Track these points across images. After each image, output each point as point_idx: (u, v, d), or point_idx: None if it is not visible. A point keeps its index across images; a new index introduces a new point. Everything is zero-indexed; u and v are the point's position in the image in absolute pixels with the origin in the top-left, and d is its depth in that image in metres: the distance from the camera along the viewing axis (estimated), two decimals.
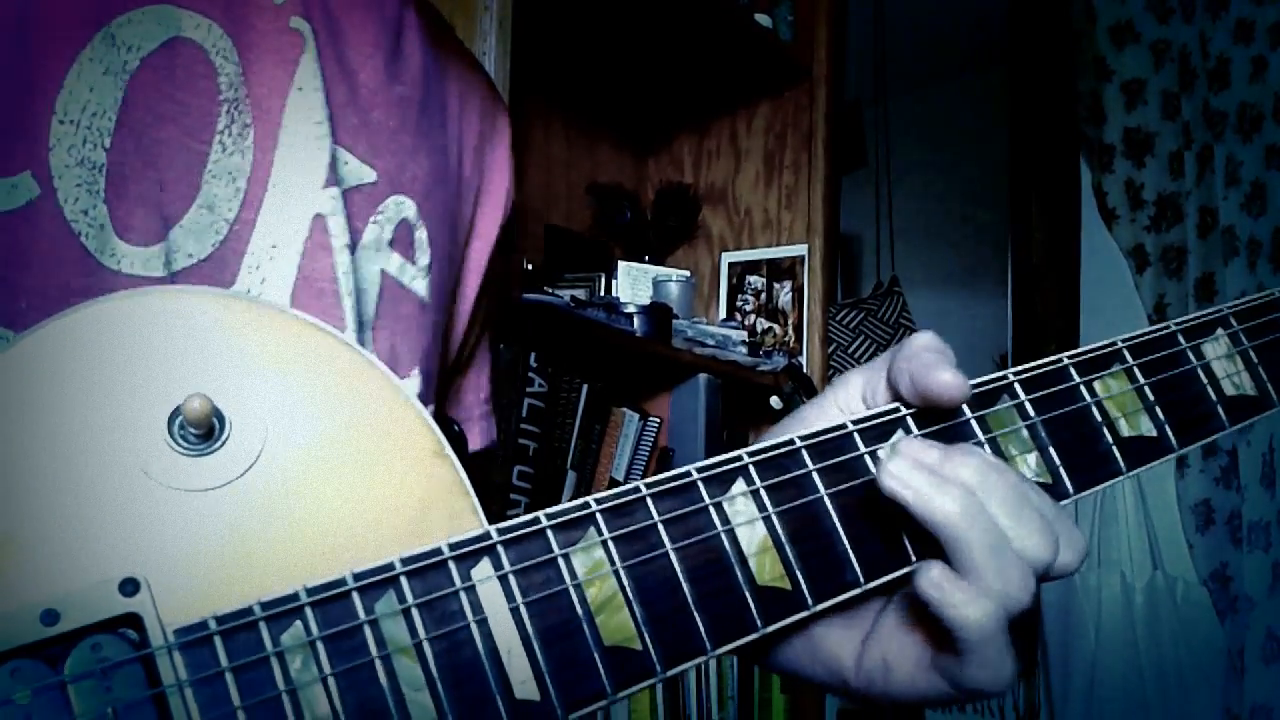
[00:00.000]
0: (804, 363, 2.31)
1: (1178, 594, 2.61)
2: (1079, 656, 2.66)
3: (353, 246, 0.57)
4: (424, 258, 0.62)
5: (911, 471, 0.41)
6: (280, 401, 0.40)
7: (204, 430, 0.38)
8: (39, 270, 0.45)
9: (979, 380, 0.47)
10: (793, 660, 0.50)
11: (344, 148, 0.58)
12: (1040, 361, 0.48)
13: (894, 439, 0.45)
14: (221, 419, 0.38)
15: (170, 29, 0.51)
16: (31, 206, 0.45)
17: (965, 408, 0.47)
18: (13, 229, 0.45)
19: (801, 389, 2.11)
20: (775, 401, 2.09)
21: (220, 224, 0.52)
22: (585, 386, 1.96)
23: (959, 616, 0.40)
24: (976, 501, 0.41)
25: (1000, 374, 0.48)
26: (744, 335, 2.26)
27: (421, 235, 0.63)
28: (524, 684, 0.38)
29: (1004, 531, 0.41)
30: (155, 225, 0.50)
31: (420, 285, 0.62)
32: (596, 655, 0.39)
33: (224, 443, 0.38)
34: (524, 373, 1.79)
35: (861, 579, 0.43)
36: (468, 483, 0.41)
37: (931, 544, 0.43)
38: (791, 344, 2.35)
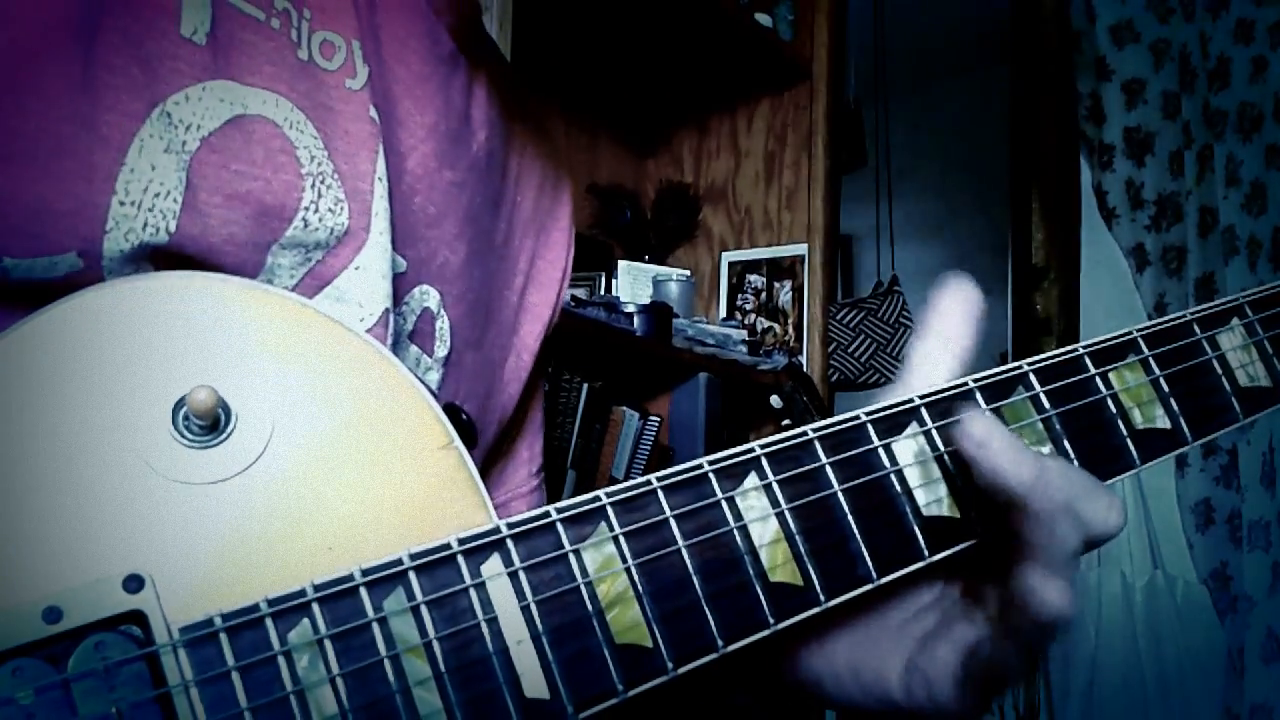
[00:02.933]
0: (804, 362, 2.31)
1: (1178, 594, 2.61)
2: (1079, 656, 2.66)
3: None
4: (442, 349, 0.60)
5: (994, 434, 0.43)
6: (287, 392, 0.39)
7: (209, 422, 0.37)
8: None
9: (993, 371, 0.47)
10: (835, 685, 0.49)
11: None
12: (1055, 352, 0.48)
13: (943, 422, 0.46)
14: (227, 410, 0.38)
15: (234, 106, 0.48)
16: (73, 275, 0.42)
17: (980, 399, 0.47)
18: (49, 299, 0.42)
19: (801, 388, 2.11)
20: (775, 400, 2.09)
21: None
22: (585, 386, 1.95)
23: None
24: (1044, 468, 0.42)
25: (1015, 364, 0.47)
26: (744, 334, 2.26)
27: (443, 325, 0.60)
28: (534, 683, 0.37)
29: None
30: None
31: (433, 377, 0.59)
32: (607, 653, 0.38)
33: (229, 435, 0.38)
34: None
35: (874, 575, 0.43)
36: (477, 475, 0.41)
37: (947, 539, 0.43)
38: (791, 343, 2.35)
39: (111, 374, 0.37)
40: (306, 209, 0.50)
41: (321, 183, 0.51)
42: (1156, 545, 2.66)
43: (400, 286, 0.57)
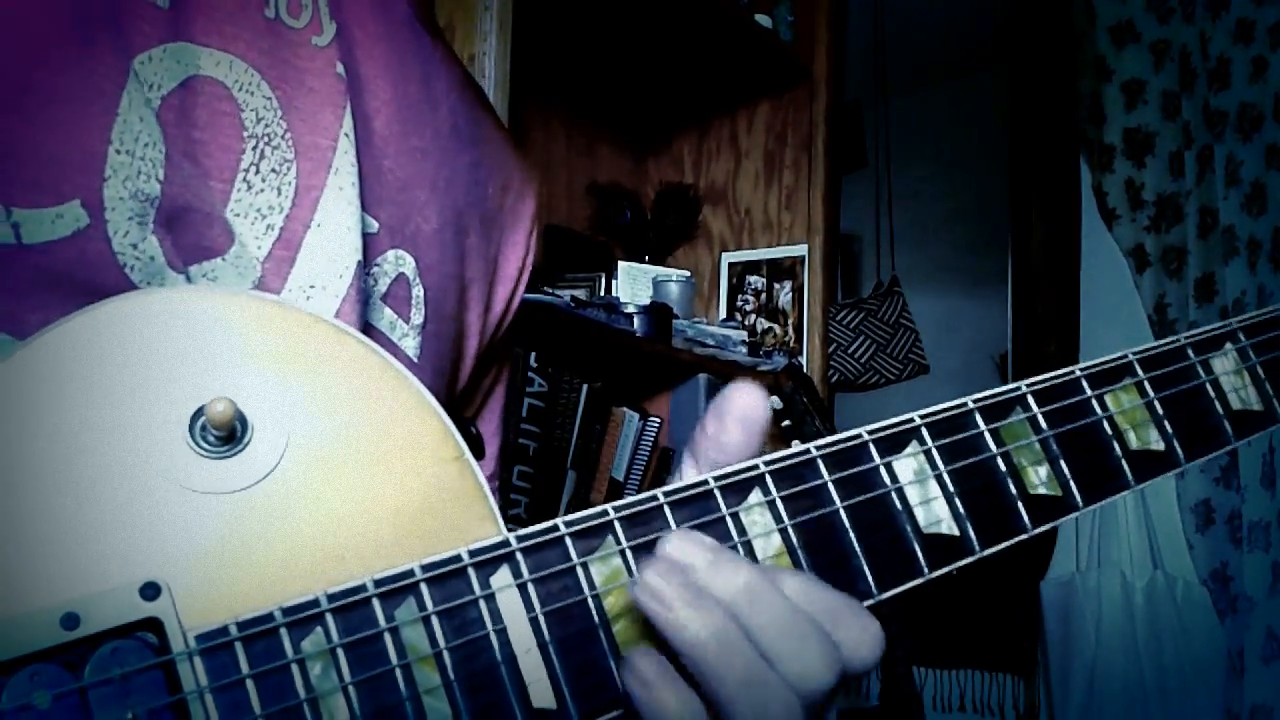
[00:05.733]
0: (804, 363, 2.32)
1: (1178, 594, 2.61)
2: (1079, 656, 2.66)
3: None
4: (418, 316, 0.60)
5: (665, 585, 0.38)
6: (301, 404, 0.40)
7: (226, 433, 0.38)
8: (83, 301, 0.45)
9: (992, 392, 0.48)
10: None
11: None
12: (1054, 373, 0.49)
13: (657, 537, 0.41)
14: (244, 422, 0.38)
15: (189, 67, 0.49)
16: (79, 235, 0.44)
17: (979, 419, 0.47)
18: (55, 258, 0.44)
19: (801, 389, 2.11)
20: (775, 401, 2.09)
21: (254, 262, 0.51)
22: (585, 386, 1.95)
23: None
24: (736, 629, 0.38)
25: (1014, 385, 0.48)
26: (744, 335, 2.26)
27: (419, 293, 0.61)
28: (541, 693, 0.38)
29: (771, 657, 0.38)
30: (202, 263, 0.49)
31: (411, 344, 0.60)
32: (613, 664, 0.39)
33: (246, 446, 0.38)
34: (524, 373, 1.79)
35: (875, 591, 0.44)
36: (486, 487, 0.41)
37: (946, 556, 0.43)
38: (792, 344, 2.35)
39: (127, 384, 0.37)
40: (246, 170, 0.51)
41: (267, 143, 0.52)
42: (1156, 545, 2.67)
43: (373, 247, 0.57)
